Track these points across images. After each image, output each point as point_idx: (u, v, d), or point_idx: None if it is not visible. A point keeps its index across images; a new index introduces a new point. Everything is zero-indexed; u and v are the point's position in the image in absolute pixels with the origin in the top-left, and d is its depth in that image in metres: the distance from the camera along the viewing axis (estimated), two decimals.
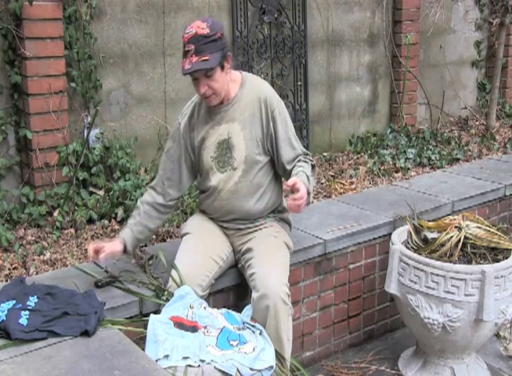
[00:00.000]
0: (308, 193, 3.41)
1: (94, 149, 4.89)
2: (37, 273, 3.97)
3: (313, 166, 3.65)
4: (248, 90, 3.61)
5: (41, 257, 4.18)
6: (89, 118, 4.93)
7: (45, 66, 4.69)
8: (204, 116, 3.64)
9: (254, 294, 3.43)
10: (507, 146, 6.73)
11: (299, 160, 3.61)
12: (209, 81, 3.40)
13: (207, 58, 3.32)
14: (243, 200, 3.62)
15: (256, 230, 3.71)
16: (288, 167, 3.61)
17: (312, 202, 3.91)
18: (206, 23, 3.35)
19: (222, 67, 3.43)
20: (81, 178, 4.82)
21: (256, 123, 3.58)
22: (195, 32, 3.32)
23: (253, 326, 3.34)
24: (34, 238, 4.44)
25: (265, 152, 3.62)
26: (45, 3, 4.64)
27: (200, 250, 3.59)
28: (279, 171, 3.73)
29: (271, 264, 3.50)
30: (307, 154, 3.70)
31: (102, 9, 5.07)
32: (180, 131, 3.70)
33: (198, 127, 3.66)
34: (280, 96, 3.87)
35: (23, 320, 2.95)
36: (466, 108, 7.89)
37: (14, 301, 3.10)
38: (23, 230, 4.52)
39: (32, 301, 3.12)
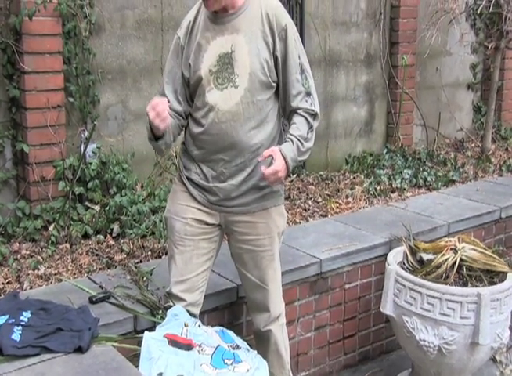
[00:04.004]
0: (287, 167, 3.10)
1: (91, 164, 4.87)
2: (31, 288, 3.94)
3: (314, 115, 3.25)
4: (257, 1, 3.22)
5: (36, 271, 4.15)
6: (86, 133, 4.92)
7: (44, 80, 4.69)
8: (206, 24, 3.24)
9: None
10: (503, 168, 6.74)
11: (297, 112, 3.23)
12: None
13: None
14: (243, 126, 3.19)
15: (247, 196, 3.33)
16: (292, 103, 3.23)
17: (303, 165, 3.48)
18: None
19: None
20: (77, 193, 4.80)
21: (262, 39, 3.18)
22: None
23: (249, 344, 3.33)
24: (28, 252, 4.42)
25: (270, 74, 3.21)
26: (45, 18, 4.64)
27: (188, 269, 3.35)
28: (281, 104, 3.33)
29: (267, 290, 3.46)
30: (309, 94, 3.26)
31: (102, 25, 5.07)
32: (180, 42, 3.29)
33: (198, 34, 3.25)
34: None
35: (16, 336, 2.93)
36: (462, 130, 7.91)
37: (7, 316, 3.08)
38: (17, 244, 4.50)
39: (25, 316, 3.10)
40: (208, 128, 3.23)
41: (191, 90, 3.30)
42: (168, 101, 3.17)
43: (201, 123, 3.26)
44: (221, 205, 3.33)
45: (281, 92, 3.28)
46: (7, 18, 4.62)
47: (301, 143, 3.17)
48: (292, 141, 3.16)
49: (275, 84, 3.27)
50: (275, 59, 3.21)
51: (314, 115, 3.24)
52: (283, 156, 3.08)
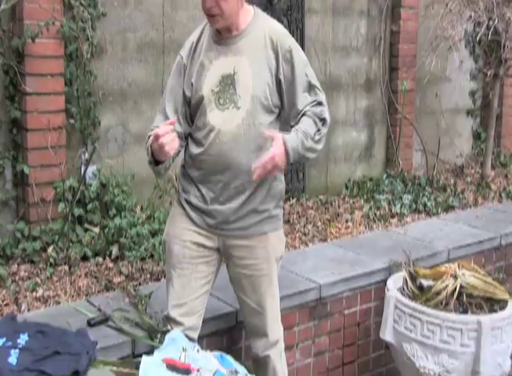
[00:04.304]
0: (287, 155, 3.06)
1: (90, 185, 4.87)
2: (29, 310, 3.92)
3: (323, 120, 3.24)
4: (260, 25, 3.22)
5: (34, 293, 4.13)
6: (87, 155, 4.92)
7: (45, 102, 4.69)
8: (209, 44, 3.23)
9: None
10: (503, 195, 6.75)
11: (306, 114, 3.21)
12: None
13: None
14: (244, 148, 3.17)
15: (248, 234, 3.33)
16: (300, 108, 3.22)
17: (306, 159, 3.32)
18: None
19: None
20: (76, 215, 4.79)
21: (266, 62, 3.17)
22: None
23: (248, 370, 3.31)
24: (27, 274, 4.40)
25: (272, 98, 3.20)
26: (47, 40, 4.66)
27: (187, 293, 3.33)
28: (289, 122, 3.30)
29: (265, 315, 3.44)
30: (320, 103, 3.26)
31: (103, 48, 5.08)
32: (183, 62, 3.28)
33: (201, 54, 3.23)
34: None
35: (13, 359, 2.90)
36: (461, 156, 7.92)
37: (4, 339, 3.04)
38: (16, 266, 4.49)
39: (23, 339, 3.07)
40: (208, 148, 3.21)
41: (192, 110, 3.28)
42: (177, 120, 3.18)
43: (201, 143, 3.24)
44: (219, 228, 3.31)
45: (287, 109, 3.26)
46: (10, 40, 4.63)
47: (306, 138, 3.12)
48: (296, 132, 3.13)
49: (276, 110, 3.26)
50: (278, 82, 3.20)
51: (323, 120, 3.22)
52: (284, 142, 3.05)
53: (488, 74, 7.21)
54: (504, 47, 6.73)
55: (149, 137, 3.18)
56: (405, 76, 7.07)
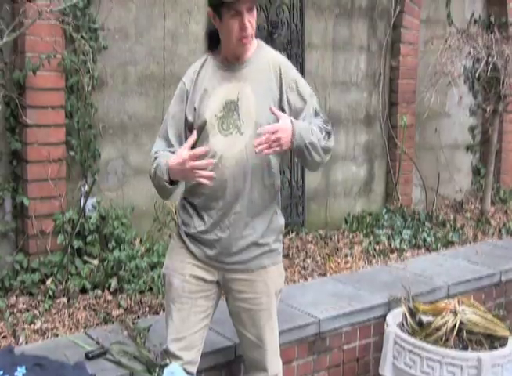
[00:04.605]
0: (293, 135, 3.00)
1: (90, 218, 4.87)
2: (26, 343, 3.90)
3: (327, 131, 3.18)
4: (264, 55, 3.26)
5: (32, 326, 4.11)
6: (86, 187, 4.92)
7: (45, 134, 4.71)
8: (214, 71, 3.24)
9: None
10: (502, 231, 6.75)
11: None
12: (250, 17, 3.09)
13: None
14: (246, 174, 3.16)
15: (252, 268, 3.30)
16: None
17: (307, 149, 3.10)
18: None
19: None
20: (75, 247, 4.78)
21: (269, 91, 3.19)
22: None
23: None
24: (25, 306, 4.38)
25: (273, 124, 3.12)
26: (49, 73, 4.69)
27: (185, 327, 3.30)
28: None
29: (264, 349, 3.41)
30: (326, 121, 3.23)
31: (104, 80, 5.10)
32: (185, 88, 3.26)
33: (204, 80, 3.23)
34: None
35: None
36: (461, 191, 7.93)
37: (1, 372, 3.03)
38: (14, 298, 4.47)
39: (20, 372, 3.06)
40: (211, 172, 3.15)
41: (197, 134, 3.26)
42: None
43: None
44: (219, 261, 3.29)
45: None
46: (12, 72, 4.65)
47: (314, 134, 3.08)
48: (308, 124, 3.12)
49: None
50: (282, 110, 3.19)
51: (328, 132, 3.18)
52: (291, 121, 3.02)
53: (488, 109, 7.23)
54: (503, 83, 6.76)
55: (155, 159, 3.18)
56: (404, 111, 7.10)
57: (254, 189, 3.19)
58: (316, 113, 3.23)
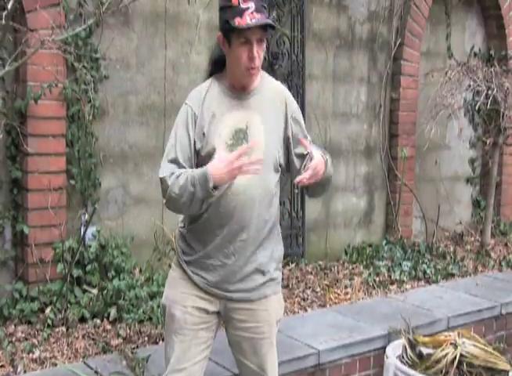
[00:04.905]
0: (326, 164, 3.07)
1: (90, 246, 4.87)
2: (25, 372, 3.89)
3: (325, 161, 3.17)
4: (268, 86, 3.28)
5: (30, 355, 4.09)
6: (87, 216, 4.92)
7: (46, 162, 4.72)
8: (220, 97, 3.20)
9: None
10: (503, 264, 6.74)
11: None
12: (259, 48, 3.08)
13: (268, 18, 3.08)
14: (254, 201, 3.15)
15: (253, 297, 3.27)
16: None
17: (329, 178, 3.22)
18: None
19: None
20: (75, 276, 4.77)
21: (276, 121, 3.22)
22: None
23: None
24: (24, 335, 4.37)
25: (279, 155, 3.22)
26: (50, 102, 4.72)
27: (186, 358, 3.24)
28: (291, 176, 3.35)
29: None
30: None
31: (105, 110, 5.12)
32: (193, 111, 3.18)
33: (212, 105, 3.18)
34: None
35: None
36: (461, 223, 7.92)
37: None
38: (13, 326, 4.46)
39: None
40: (218, 201, 3.14)
41: (199, 161, 3.20)
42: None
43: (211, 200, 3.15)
44: (222, 288, 3.26)
45: (295, 162, 3.28)
46: (13, 101, 4.68)
47: (329, 159, 3.16)
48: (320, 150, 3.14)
49: (279, 170, 3.27)
50: (286, 139, 3.23)
51: (325, 161, 3.16)
52: (321, 154, 3.07)
53: (488, 142, 7.27)
54: (503, 116, 6.79)
55: (177, 176, 3.05)
56: (404, 143, 7.12)
57: (260, 217, 3.18)
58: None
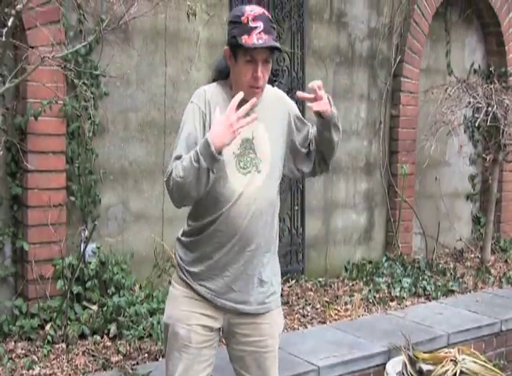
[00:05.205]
0: (331, 104, 3.10)
1: (90, 263, 4.86)
2: None
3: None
4: (270, 93, 3.29)
5: (30, 371, 4.09)
6: (87, 232, 4.92)
7: (46, 179, 4.73)
8: (226, 104, 3.07)
9: None
10: (503, 280, 6.74)
11: None
12: (264, 69, 3.09)
13: (276, 40, 3.05)
14: (261, 211, 3.13)
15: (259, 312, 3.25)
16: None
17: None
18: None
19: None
20: (75, 292, 4.77)
21: (279, 128, 3.23)
22: (263, 11, 3.06)
23: None
24: (23, 351, 4.37)
25: (283, 162, 3.25)
26: (50, 119, 4.73)
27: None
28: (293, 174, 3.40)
29: None
30: None
31: (105, 127, 5.13)
32: (201, 109, 3.14)
33: (217, 110, 3.08)
34: None
35: None
36: (461, 240, 7.91)
37: None
38: (13, 343, 4.46)
39: None
40: (228, 211, 3.11)
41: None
42: None
43: (219, 207, 3.13)
44: (228, 300, 3.23)
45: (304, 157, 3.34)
46: (13, 118, 4.69)
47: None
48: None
49: (280, 177, 3.28)
50: (290, 142, 3.27)
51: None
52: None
53: (488, 159, 7.28)
54: (503, 133, 6.81)
55: (181, 161, 2.99)
56: (404, 160, 7.12)
57: (267, 227, 3.18)
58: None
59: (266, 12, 3.07)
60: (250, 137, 3.16)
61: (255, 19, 3.01)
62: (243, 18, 3.02)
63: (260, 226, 3.16)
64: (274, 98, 3.30)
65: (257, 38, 2.97)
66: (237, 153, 3.13)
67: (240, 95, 2.96)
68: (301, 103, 5.45)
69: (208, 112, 3.15)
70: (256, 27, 2.99)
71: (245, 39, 2.98)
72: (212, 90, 3.23)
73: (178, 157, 3.07)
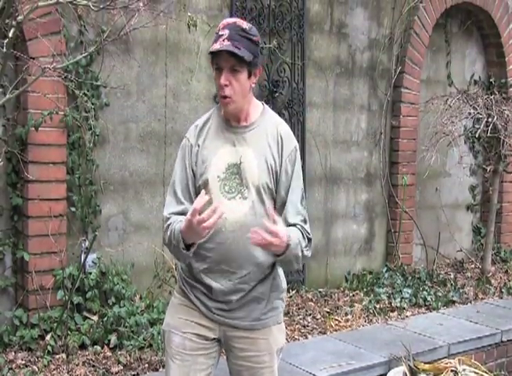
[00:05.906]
0: (288, 245, 2.93)
1: (90, 273, 4.87)
2: None
3: (309, 239, 3.11)
4: (268, 120, 3.21)
5: None
6: (87, 243, 4.92)
7: (47, 189, 4.74)
8: (217, 131, 3.18)
9: None
10: (503, 291, 6.73)
11: (296, 226, 3.08)
12: (232, 78, 3.03)
13: (239, 47, 3.00)
14: (249, 237, 3.00)
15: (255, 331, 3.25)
16: (290, 220, 3.10)
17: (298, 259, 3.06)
18: (247, 23, 3.10)
19: (249, 74, 3.07)
20: (75, 303, 4.77)
21: (271, 156, 3.13)
22: (234, 21, 3.07)
23: None
24: (24, 362, 4.37)
25: (273, 191, 3.14)
26: (50, 129, 4.75)
27: None
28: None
29: None
30: (306, 221, 3.15)
31: (106, 137, 5.15)
32: (190, 143, 3.19)
33: (208, 137, 3.18)
34: None
35: None
36: (461, 251, 7.91)
37: None
38: (13, 353, 4.46)
39: None
40: (214, 235, 3.10)
41: (200, 185, 3.17)
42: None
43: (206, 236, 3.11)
44: (222, 315, 3.24)
45: (279, 208, 3.17)
46: (14, 128, 4.70)
47: (301, 243, 3.03)
48: (297, 227, 3.08)
49: (280, 200, 3.20)
50: (279, 178, 3.16)
51: (309, 239, 3.13)
52: (288, 237, 2.95)
53: (488, 169, 7.29)
54: (503, 143, 6.81)
55: (168, 226, 3.07)
56: (405, 170, 7.13)
57: (257, 252, 3.12)
58: (303, 198, 3.21)
59: (241, 23, 3.07)
60: (237, 162, 3.13)
61: (224, 27, 3.04)
62: (218, 28, 3.07)
63: (249, 253, 3.12)
64: (277, 129, 3.21)
65: (219, 43, 2.99)
66: (222, 178, 3.13)
67: (204, 198, 2.87)
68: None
69: (195, 143, 3.19)
70: (222, 35, 3.01)
71: (212, 46, 3.01)
72: (207, 117, 3.26)
73: (172, 193, 3.18)
